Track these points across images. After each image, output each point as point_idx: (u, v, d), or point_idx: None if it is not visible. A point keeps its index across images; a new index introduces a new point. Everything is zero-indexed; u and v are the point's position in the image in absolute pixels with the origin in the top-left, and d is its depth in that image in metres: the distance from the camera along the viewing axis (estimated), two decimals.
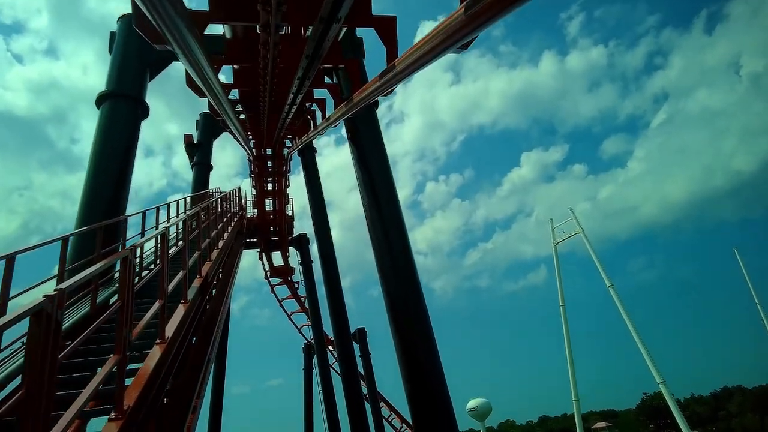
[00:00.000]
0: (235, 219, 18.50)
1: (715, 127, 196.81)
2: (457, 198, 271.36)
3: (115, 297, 6.75)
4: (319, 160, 27.83)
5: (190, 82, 11.49)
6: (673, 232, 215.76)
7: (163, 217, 11.24)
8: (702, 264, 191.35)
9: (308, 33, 8.69)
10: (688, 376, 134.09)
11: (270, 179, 25.13)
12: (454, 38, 4.84)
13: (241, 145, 21.02)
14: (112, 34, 14.95)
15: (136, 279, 5.88)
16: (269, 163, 24.32)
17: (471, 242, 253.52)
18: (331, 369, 29.30)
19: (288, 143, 22.88)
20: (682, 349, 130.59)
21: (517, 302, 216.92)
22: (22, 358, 4.47)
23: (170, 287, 5.72)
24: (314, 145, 27.24)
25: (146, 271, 9.47)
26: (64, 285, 2.93)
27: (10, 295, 5.01)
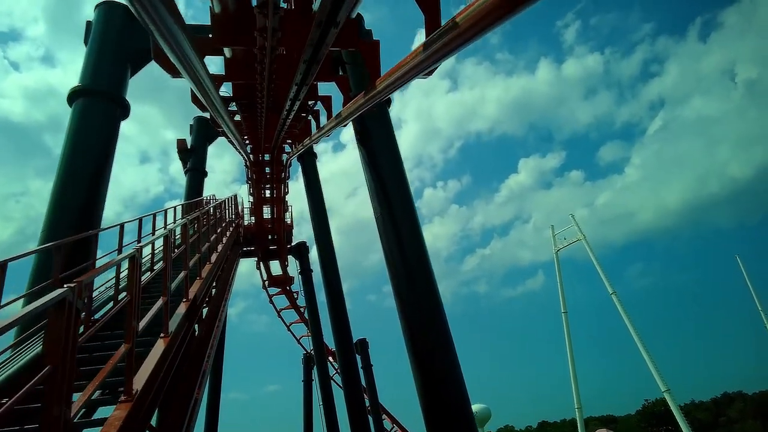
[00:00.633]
0: (231, 228, 17.70)
1: (711, 134, 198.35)
2: (454, 204, 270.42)
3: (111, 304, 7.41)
4: (317, 166, 27.16)
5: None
6: (670, 238, 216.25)
7: (149, 228, 10.19)
8: (699, 270, 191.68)
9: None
10: (687, 381, 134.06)
11: (268, 186, 24.29)
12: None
13: (237, 150, 20.23)
14: (89, 23, 13.31)
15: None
16: (267, 169, 23.49)
17: (469, 248, 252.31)
18: (331, 381, 28.51)
19: (287, 148, 22.07)
20: (680, 354, 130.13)
21: (515, 308, 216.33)
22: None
23: (142, 325, 4.69)
24: (314, 151, 26.58)
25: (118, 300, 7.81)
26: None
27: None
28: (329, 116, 11.57)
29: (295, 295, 32.69)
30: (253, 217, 25.62)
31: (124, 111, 12.71)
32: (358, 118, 10.82)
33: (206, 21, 9.75)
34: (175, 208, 12.92)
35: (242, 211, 24.37)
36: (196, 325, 8.05)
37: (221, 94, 10.47)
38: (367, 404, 28.53)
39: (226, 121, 10.53)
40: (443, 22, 4.91)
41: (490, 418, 53.43)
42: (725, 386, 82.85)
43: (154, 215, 9.75)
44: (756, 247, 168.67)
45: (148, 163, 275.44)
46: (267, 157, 22.21)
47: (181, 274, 7.24)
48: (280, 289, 32.31)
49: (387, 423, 35.45)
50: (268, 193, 24.62)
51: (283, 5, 7.46)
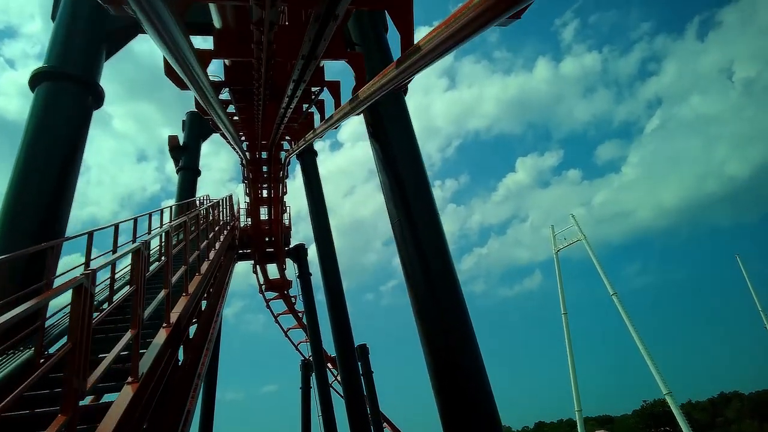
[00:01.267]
0: (226, 231, 16.42)
1: (709, 132, 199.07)
2: (452, 203, 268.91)
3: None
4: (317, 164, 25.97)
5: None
6: (668, 237, 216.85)
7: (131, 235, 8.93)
8: (697, 269, 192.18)
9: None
10: (684, 381, 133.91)
11: (265, 185, 22.96)
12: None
13: (232, 147, 18.89)
14: None
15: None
16: (264, 168, 22.16)
17: (466, 247, 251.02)
18: (330, 388, 27.36)
19: (285, 145, 20.76)
20: (677, 354, 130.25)
21: (513, 307, 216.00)
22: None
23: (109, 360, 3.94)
24: (314, 148, 25.34)
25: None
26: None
27: None
28: (337, 105, 10.23)
29: (293, 300, 31.56)
30: (249, 218, 24.35)
31: (97, 99, 10.95)
32: (370, 108, 9.48)
33: None
34: (161, 210, 11.40)
35: (238, 212, 23.03)
36: (182, 348, 6.79)
37: (210, 77, 8.76)
38: (368, 413, 27.44)
39: (217, 110, 9.07)
40: None
41: None
42: (721, 386, 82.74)
43: (135, 219, 8.32)
44: (753, 245, 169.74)
45: (144, 162, 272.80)
46: (264, 155, 20.90)
47: (161, 294, 5.88)
48: (277, 294, 31.15)
49: None
50: (265, 193, 23.31)
51: None
